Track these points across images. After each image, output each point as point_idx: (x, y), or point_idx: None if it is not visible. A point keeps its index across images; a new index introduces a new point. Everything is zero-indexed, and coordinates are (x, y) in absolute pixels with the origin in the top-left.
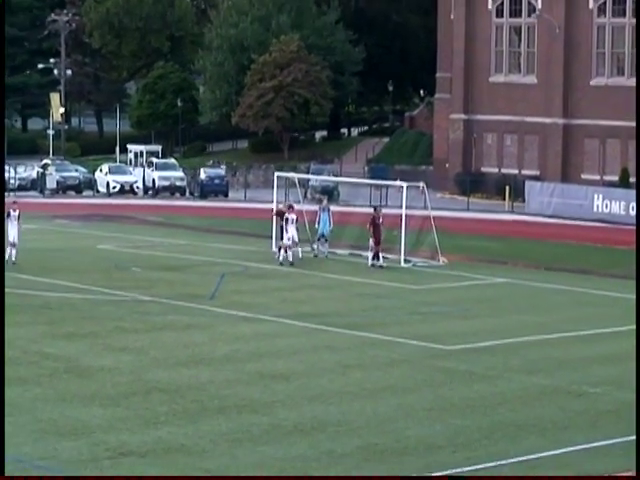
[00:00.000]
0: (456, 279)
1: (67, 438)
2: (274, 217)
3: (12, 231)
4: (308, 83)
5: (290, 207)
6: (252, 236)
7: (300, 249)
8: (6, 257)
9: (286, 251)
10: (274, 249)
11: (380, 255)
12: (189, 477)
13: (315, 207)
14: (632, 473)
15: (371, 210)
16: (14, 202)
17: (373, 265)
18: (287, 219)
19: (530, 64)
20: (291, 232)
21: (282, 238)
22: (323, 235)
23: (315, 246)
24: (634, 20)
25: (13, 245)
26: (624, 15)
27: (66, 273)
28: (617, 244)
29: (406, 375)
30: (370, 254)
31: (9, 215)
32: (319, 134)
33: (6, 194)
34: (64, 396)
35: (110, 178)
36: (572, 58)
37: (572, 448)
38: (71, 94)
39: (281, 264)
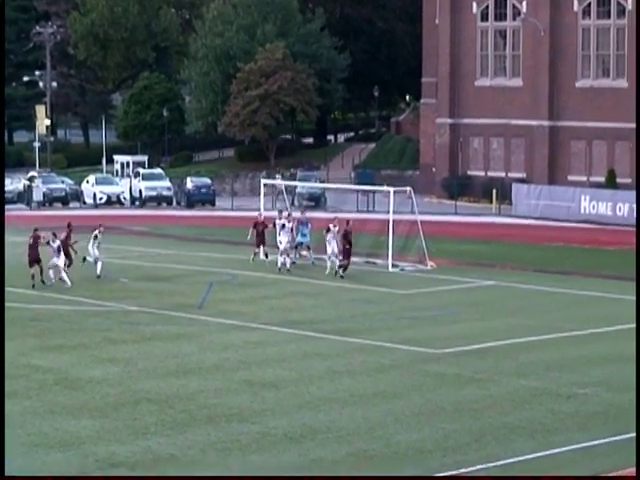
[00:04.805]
0: (444, 283)
1: (56, 450)
2: (253, 227)
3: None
4: (294, 91)
5: (280, 212)
6: (239, 245)
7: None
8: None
9: (282, 255)
10: (262, 257)
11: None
12: None
13: (307, 215)
14: (622, 473)
15: (357, 216)
16: (54, 234)
17: (336, 273)
18: (282, 225)
19: (516, 67)
20: (283, 238)
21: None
22: (302, 244)
23: (294, 255)
24: (619, 21)
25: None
26: (609, 17)
27: (54, 285)
28: (605, 245)
29: (395, 380)
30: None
31: (48, 243)
32: (305, 141)
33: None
34: (53, 408)
35: (97, 189)
36: (557, 60)
37: (562, 449)
38: (57, 106)
39: (288, 270)
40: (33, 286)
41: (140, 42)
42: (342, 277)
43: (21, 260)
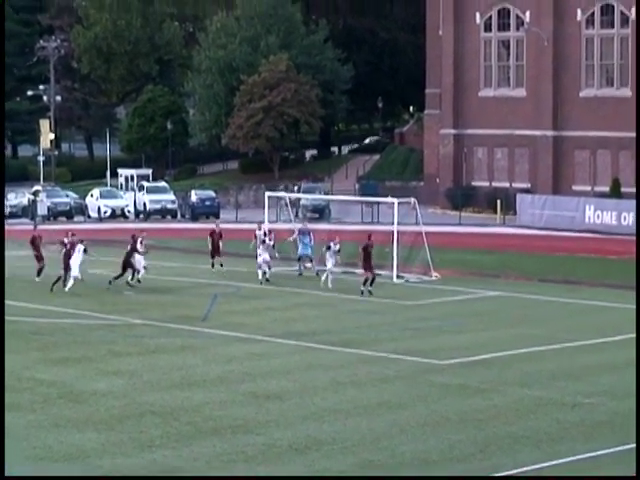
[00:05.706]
0: (449, 294)
1: (61, 463)
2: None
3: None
4: (297, 102)
5: (259, 224)
6: (243, 257)
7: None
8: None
9: (261, 268)
10: (217, 267)
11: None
12: None
13: (308, 226)
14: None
15: (361, 228)
16: (81, 240)
17: (362, 292)
18: (262, 238)
19: (519, 77)
20: (263, 252)
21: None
22: (306, 255)
23: (298, 266)
24: (622, 31)
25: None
26: (612, 26)
27: (58, 298)
28: (609, 254)
29: (400, 391)
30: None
31: (72, 247)
32: (309, 153)
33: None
34: (58, 422)
35: (101, 203)
36: (561, 70)
37: (568, 459)
38: (61, 120)
39: (267, 280)
40: (52, 288)
41: (143, 55)
42: (370, 292)
43: (24, 273)
